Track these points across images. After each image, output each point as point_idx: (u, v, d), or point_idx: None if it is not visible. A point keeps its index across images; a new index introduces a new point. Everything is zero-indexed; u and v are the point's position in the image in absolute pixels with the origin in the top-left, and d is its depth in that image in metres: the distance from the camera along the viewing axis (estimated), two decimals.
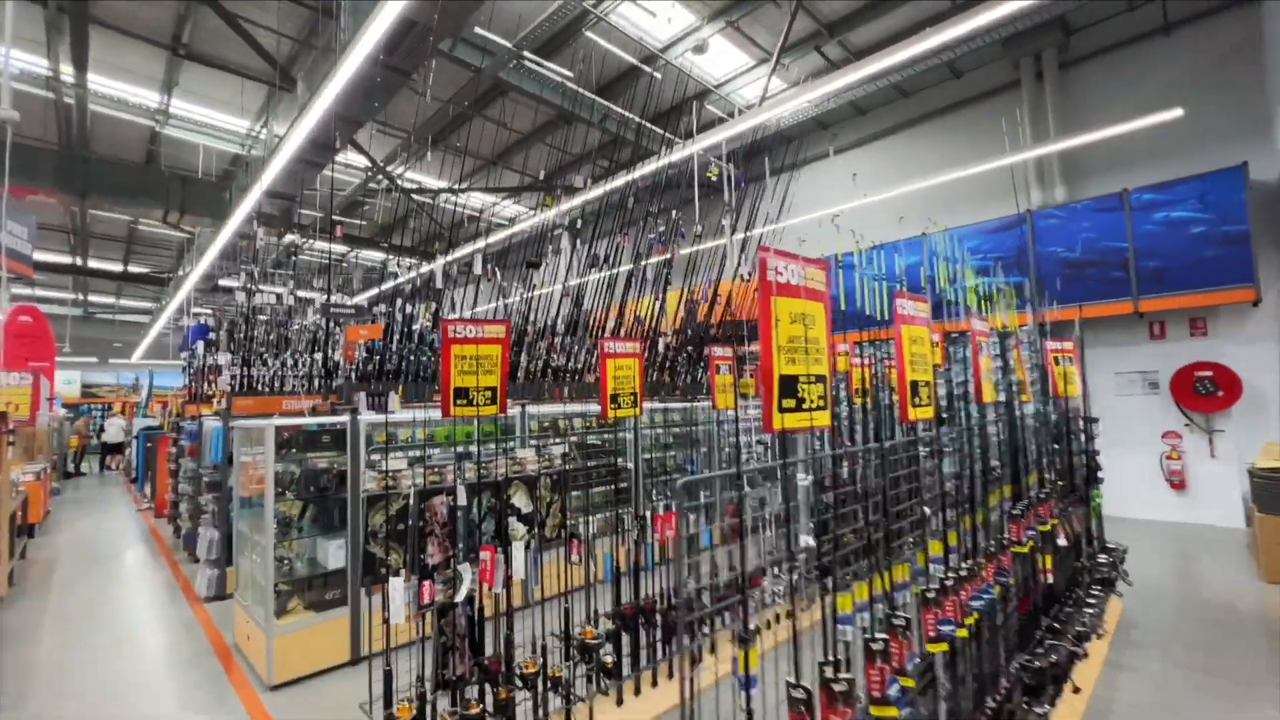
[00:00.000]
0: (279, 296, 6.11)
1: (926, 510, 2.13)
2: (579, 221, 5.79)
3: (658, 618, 3.02)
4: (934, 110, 8.89)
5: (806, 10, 7.12)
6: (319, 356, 5.48)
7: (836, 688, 1.30)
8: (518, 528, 2.66)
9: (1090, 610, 3.01)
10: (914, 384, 2.07)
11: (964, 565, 2.01)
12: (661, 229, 5.91)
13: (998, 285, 4.00)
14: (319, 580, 3.70)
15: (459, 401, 2.56)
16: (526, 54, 7.24)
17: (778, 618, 3.98)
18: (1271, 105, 6.18)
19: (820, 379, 1.46)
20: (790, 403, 1.34)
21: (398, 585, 2.09)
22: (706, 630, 3.40)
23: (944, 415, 2.77)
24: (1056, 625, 2.66)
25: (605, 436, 5.16)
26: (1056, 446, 3.70)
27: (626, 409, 3.13)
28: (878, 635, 1.47)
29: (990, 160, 7.28)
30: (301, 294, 6.96)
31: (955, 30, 4.65)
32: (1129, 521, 6.77)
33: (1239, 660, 3.42)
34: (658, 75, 8.09)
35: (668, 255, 6.11)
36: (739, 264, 7.02)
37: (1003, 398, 3.16)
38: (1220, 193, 6.24)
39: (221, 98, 8.38)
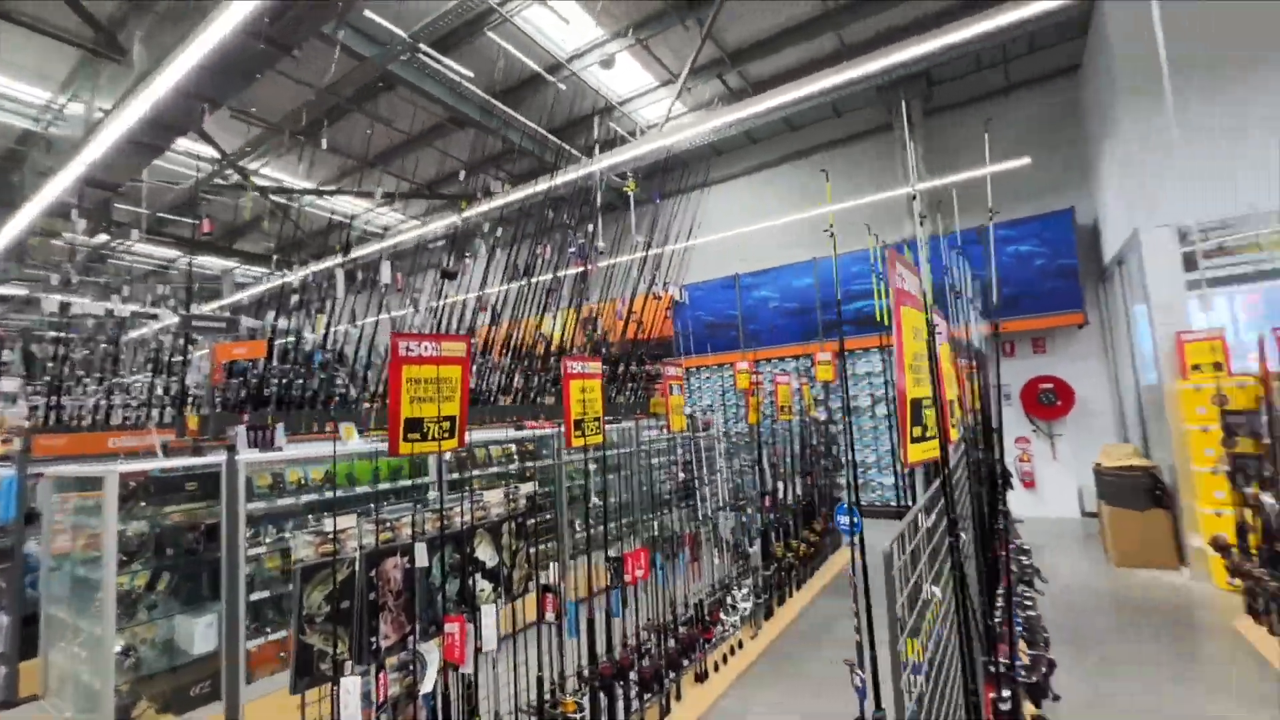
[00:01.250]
0: (109, 310, 4.87)
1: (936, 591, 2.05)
2: (495, 229, 5.32)
3: (633, 673, 2.69)
4: (820, 144, 9.56)
5: (713, 38, 7.29)
6: (164, 380, 4.42)
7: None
8: (484, 586, 2.20)
9: (1031, 612, 3.20)
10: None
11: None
12: (581, 241, 5.62)
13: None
14: (182, 670, 2.87)
15: (411, 435, 2.07)
16: (423, 46, 6.63)
17: (732, 649, 3.80)
18: (1090, 160, 7.38)
19: (933, 401, 1.28)
20: (918, 431, 1.15)
21: (353, 686, 1.57)
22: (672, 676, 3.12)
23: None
24: (1024, 632, 2.76)
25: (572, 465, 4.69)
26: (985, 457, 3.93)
27: (593, 435, 2.79)
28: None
29: (868, 195, 7.93)
30: (133, 306, 5.65)
31: (836, 78, 5.02)
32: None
33: (1130, 634, 3.84)
34: (563, 86, 7.84)
35: (585, 268, 5.83)
36: (654, 280, 6.91)
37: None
38: (1055, 232, 7.30)
39: (14, 61, 6.70)
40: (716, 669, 3.55)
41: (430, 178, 10.27)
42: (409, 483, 3.81)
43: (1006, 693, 1.32)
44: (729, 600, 3.81)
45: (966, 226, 7.99)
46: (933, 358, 1.67)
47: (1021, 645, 2.60)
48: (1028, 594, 3.37)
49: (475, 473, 4.36)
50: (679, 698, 3.16)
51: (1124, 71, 5.64)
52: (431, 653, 1.90)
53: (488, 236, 5.63)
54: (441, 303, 4.62)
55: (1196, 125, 5.27)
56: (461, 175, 9.50)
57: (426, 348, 2.10)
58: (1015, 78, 8.01)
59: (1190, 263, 5.47)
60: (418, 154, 9.39)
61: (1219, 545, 3.96)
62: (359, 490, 3.52)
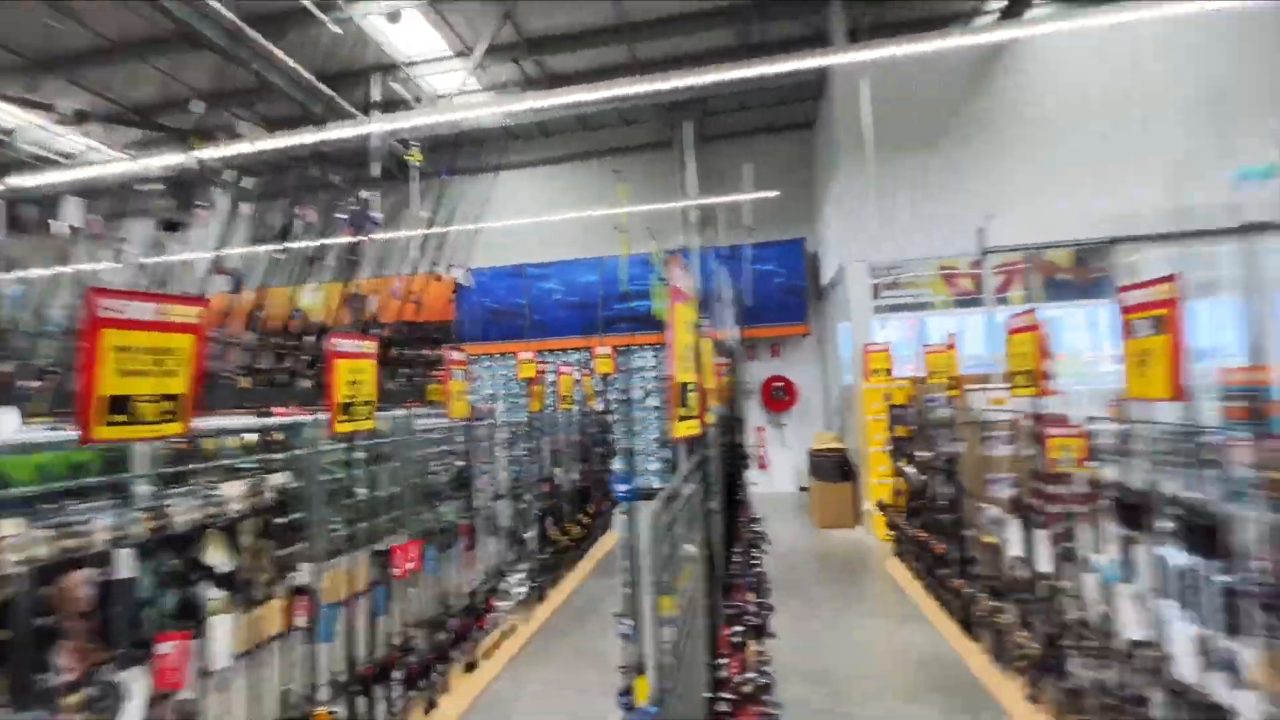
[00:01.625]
0: None
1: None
2: (240, 179, 4.48)
3: (396, 670, 2.56)
4: (611, 148, 10.02)
5: (514, 22, 7.15)
6: None
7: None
8: (215, 596, 1.89)
9: (757, 567, 3.87)
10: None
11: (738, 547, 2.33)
12: (355, 208, 5.06)
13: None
14: None
15: (116, 417, 1.68)
16: None
17: (505, 635, 3.84)
18: (817, 201, 9.04)
19: (695, 387, 1.49)
20: (684, 411, 1.34)
21: None
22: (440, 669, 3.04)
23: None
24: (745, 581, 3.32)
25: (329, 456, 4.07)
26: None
27: (363, 420, 2.58)
28: (738, 628, 1.58)
29: (651, 203, 8.63)
30: None
31: (621, 90, 5.40)
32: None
33: (824, 578, 4.87)
34: (336, 29, 6.92)
35: (357, 239, 5.27)
36: (437, 260, 6.54)
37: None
38: (790, 257, 8.81)
39: None
40: (488, 656, 3.55)
41: (147, 101, 8.19)
42: (100, 480, 3.03)
43: (739, 628, 1.62)
44: (503, 587, 3.84)
45: (726, 244, 9.19)
46: (698, 350, 1.96)
47: (750, 595, 3.13)
48: (755, 554, 4.06)
49: (204, 464, 3.67)
50: (447, 690, 3.09)
51: (841, 138, 7.04)
52: (135, 681, 1.58)
53: (230, 186, 4.73)
54: (161, 260, 3.76)
55: (885, 188, 6.85)
56: (195, 106, 7.76)
57: (144, 310, 1.72)
58: (773, 122, 9.43)
59: (876, 291, 7.11)
60: (130, 68, 7.41)
61: (880, 506, 5.26)
62: (18, 491, 2.69)
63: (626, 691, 1.19)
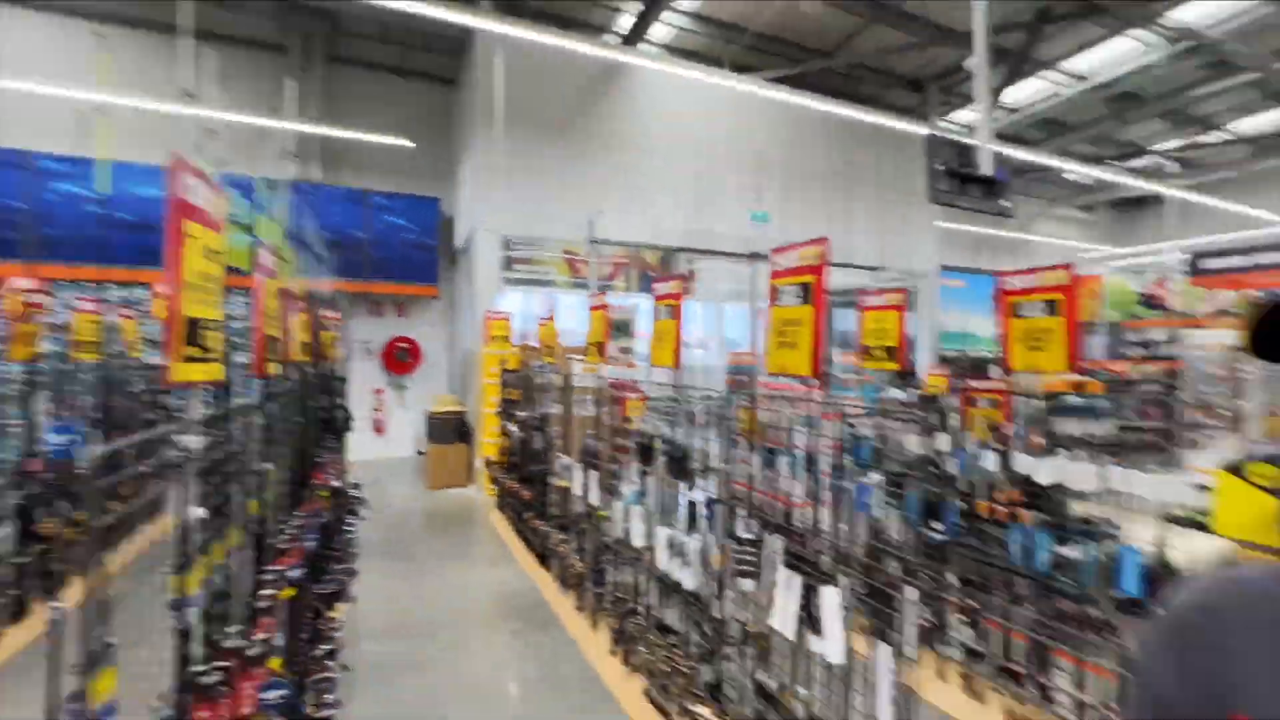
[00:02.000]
0: None
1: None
2: None
3: None
4: (198, 28, 7.72)
5: None
6: None
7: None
8: None
9: (350, 535, 3.67)
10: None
11: (296, 515, 2.14)
12: None
13: (286, 247, 4.11)
14: None
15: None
16: None
17: None
18: (454, 163, 8.90)
19: (219, 324, 1.27)
20: (196, 351, 1.11)
21: None
22: None
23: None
24: (337, 552, 3.13)
25: None
26: (326, 402, 4.20)
27: None
28: (254, 639, 1.44)
29: (244, 114, 7.08)
30: None
31: None
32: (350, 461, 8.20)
33: (430, 536, 4.95)
34: None
35: None
36: None
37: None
38: (423, 214, 8.48)
39: None
40: None
41: None
42: None
43: (268, 593, 1.52)
44: None
45: (350, 184, 8.26)
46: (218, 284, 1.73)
47: (331, 562, 2.96)
48: (351, 521, 3.86)
49: None
50: None
51: (479, 105, 7.10)
52: None
53: None
54: None
55: (517, 165, 7.23)
56: None
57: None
58: (411, 65, 8.80)
59: (510, 264, 7.48)
60: None
61: (487, 463, 5.64)
62: None
63: (77, 696, 0.97)
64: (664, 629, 2.49)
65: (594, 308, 3.52)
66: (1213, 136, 11.26)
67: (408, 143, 7.69)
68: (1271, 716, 0.40)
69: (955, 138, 5.37)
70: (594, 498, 3.31)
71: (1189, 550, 3.53)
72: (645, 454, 2.84)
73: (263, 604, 1.38)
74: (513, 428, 5.02)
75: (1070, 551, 2.41)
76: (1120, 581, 2.03)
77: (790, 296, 1.90)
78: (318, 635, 2.29)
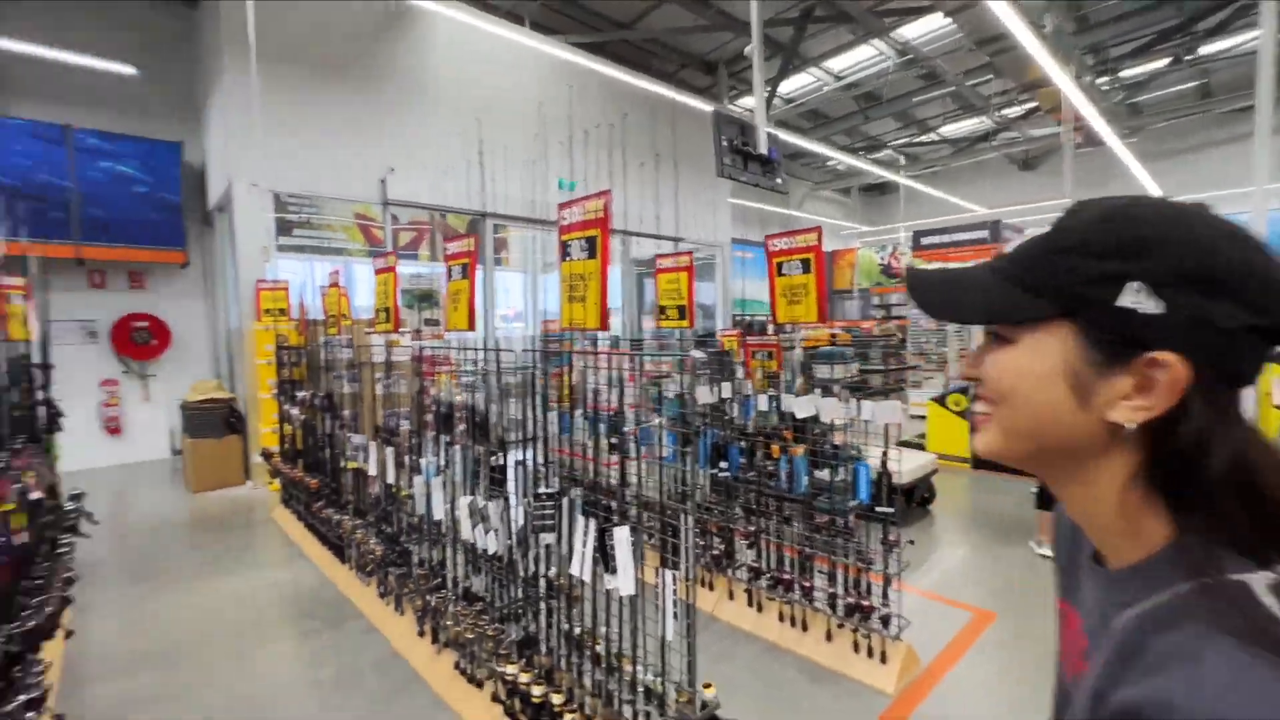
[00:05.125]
0: None
1: None
2: None
3: None
4: None
5: None
6: None
7: None
8: None
9: (63, 557, 2.93)
10: None
11: None
12: None
13: None
14: None
15: None
16: None
17: None
18: (200, 103, 7.37)
19: None
20: None
21: None
22: None
23: None
24: (38, 581, 2.47)
25: None
26: (12, 394, 3.27)
27: None
28: None
29: None
30: None
31: None
32: (76, 474, 6.51)
33: (192, 546, 4.17)
34: None
35: None
36: None
37: None
38: (160, 162, 6.92)
39: None
40: None
41: None
42: None
43: None
44: None
45: (43, 117, 6.41)
46: None
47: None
48: (64, 541, 3.08)
49: None
50: None
51: (228, 41, 5.92)
52: None
53: None
54: None
55: (297, 109, 6.23)
56: None
57: None
58: None
59: (288, 228, 6.45)
60: None
61: (265, 455, 4.91)
62: None
63: None
64: (471, 598, 2.42)
65: (380, 270, 3.20)
66: (928, 136, 13.92)
67: (129, 69, 6.14)
68: None
69: (738, 116, 5.88)
70: (391, 476, 3.07)
71: (912, 462, 4.42)
72: (446, 422, 2.70)
73: None
74: (294, 411, 4.42)
75: (824, 475, 2.86)
76: (858, 492, 2.48)
77: (578, 251, 1.91)
78: (10, 685, 1.80)
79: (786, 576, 2.78)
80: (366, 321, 5.17)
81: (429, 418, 2.77)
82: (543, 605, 2.11)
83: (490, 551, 2.26)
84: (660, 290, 3.31)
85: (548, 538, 1.96)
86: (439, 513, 2.62)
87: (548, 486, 2.07)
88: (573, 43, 7.45)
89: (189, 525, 4.88)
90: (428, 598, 2.54)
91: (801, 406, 2.68)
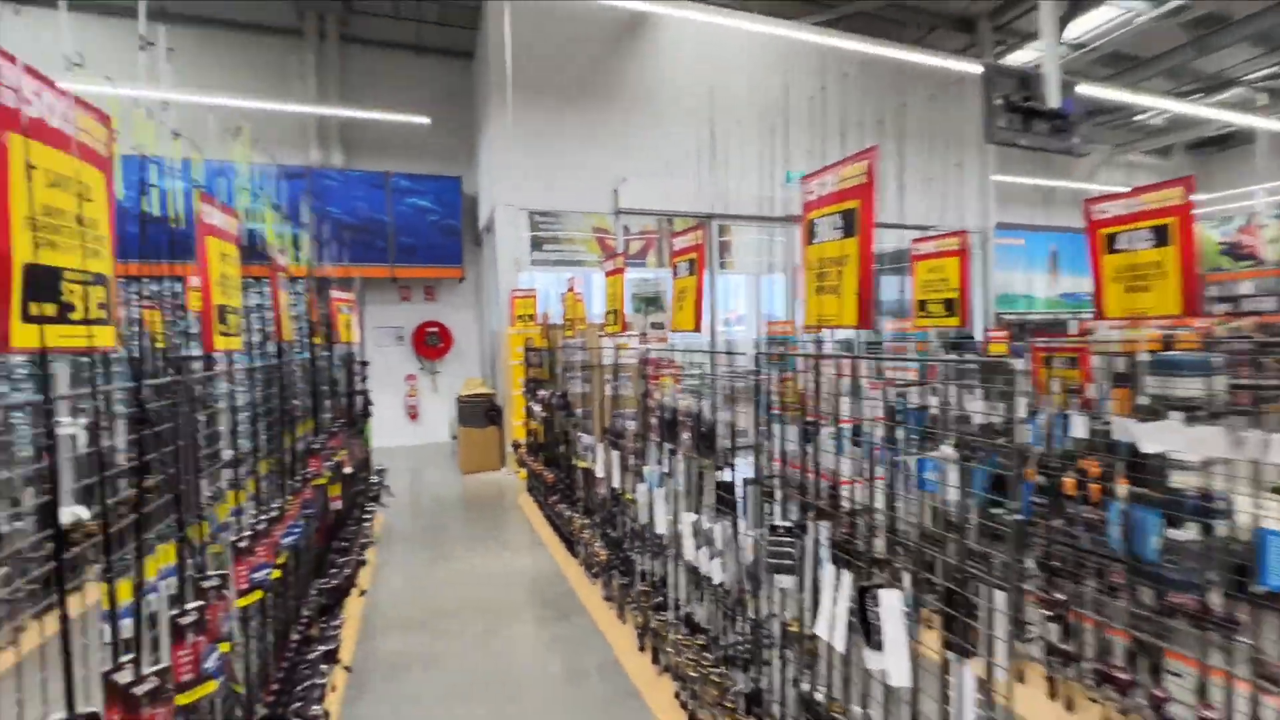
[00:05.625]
0: None
1: (229, 453, 1.91)
2: None
3: None
4: (212, 18, 7.68)
5: None
6: None
7: (140, 689, 0.99)
8: None
9: (366, 524, 3.51)
10: (221, 309, 1.79)
11: (274, 506, 1.93)
12: None
13: (293, 230, 3.94)
14: None
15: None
16: None
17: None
18: (475, 140, 8.65)
19: (101, 279, 1.02)
20: (48, 309, 0.86)
21: None
22: None
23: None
24: (345, 543, 2.95)
25: None
26: (339, 385, 4.04)
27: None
28: (188, 607, 1.22)
29: (273, 100, 6.99)
30: None
31: None
32: (385, 450, 8.17)
33: (457, 522, 4.80)
34: None
35: None
36: None
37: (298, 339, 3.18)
38: (446, 194, 8.29)
39: None
40: None
41: None
42: None
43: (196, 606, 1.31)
44: None
45: (372, 168, 8.13)
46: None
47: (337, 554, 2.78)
48: (369, 509, 3.70)
49: None
50: None
51: (493, 76, 6.78)
52: None
53: None
54: None
55: (536, 135, 6.92)
56: None
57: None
58: (427, 41, 8.55)
59: (540, 244, 7.21)
60: None
61: (514, 445, 5.44)
62: None
63: None
64: (694, 627, 2.20)
65: (610, 272, 3.21)
66: None
67: (424, 120, 7.47)
68: None
69: (1018, 68, 4.77)
70: (617, 480, 3.02)
71: None
72: (670, 429, 2.53)
73: (187, 616, 1.14)
74: (536, 408, 4.78)
75: (1182, 534, 1.99)
76: (1264, 573, 1.61)
77: (829, 230, 1.54)
78: (309, 638, 2.10)
79: (1120, 674, 1.98)
80: (598, 326, 5.42)
81: (653, 423, 2.63)
82: (775, 656, 1.77)
83: (715, 580, 2.00)
84: (919, 282, 2.71)
85: (785, 580, 1.62)
86: (661, 525, 2.45)
87: (785, 515, 1.72)
88: (809, 23, 6.93)
89: (458, 503, 5.65)
90: (649, 614, 2.39)
91: (1154, 436, 1.88)
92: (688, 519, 2.16)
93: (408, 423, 8.68)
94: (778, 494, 1.89)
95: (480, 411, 6.78)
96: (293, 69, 7.85)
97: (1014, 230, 10.39)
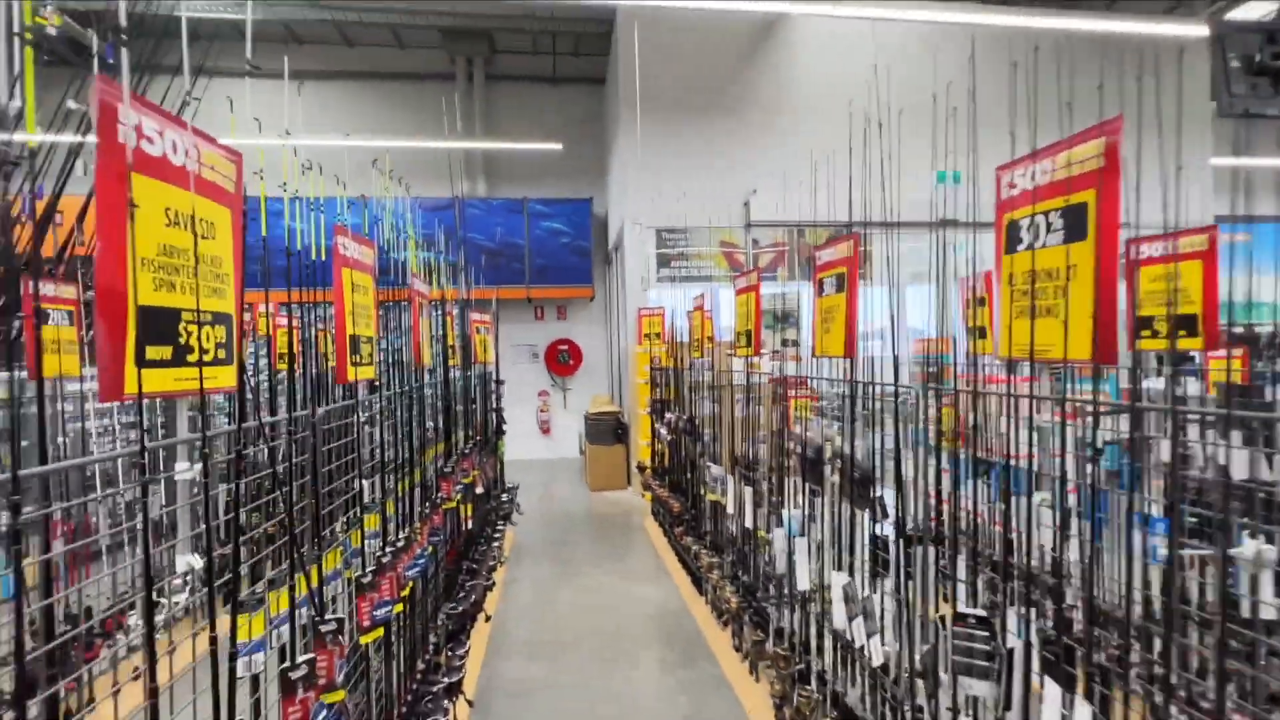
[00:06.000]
0: None
1: (365, 484, 1.93)
2: None
3: None
4: (379, 73, 8.66)
5: None
6: None
7: None
8: None
9: (496, 544, 3.54)
10: (355, 339, 1.80)
11: (400, 535, 1.92)
12: None
13: (436, 258, 4.16)
14: None
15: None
16: None
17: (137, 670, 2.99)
18: (606, 161, 8.84)
19: (224, 319, 1.00)
20: (162, 352, 0.84)
21: None
22: None
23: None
24: (474, 565, 2.97)
25: None
26: (474, 404, 4.17)
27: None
28: (298, 661, 1.17)
29: (427, 139, 7.66)
30: None
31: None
32: (517, 462, 8.51)
33: (585, 541, 4.76)
34: None
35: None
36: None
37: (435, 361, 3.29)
38: (578, 216, 8.54)
39: None
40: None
41: None
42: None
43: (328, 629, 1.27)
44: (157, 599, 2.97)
45: (511, 196, 8.60)
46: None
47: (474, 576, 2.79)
48: (499, 528, 3.75)
49: None
50: None
51: (623, 95, 6.85)
52: None
53: None
54: None
55: (664, 151, 6.86)
56: None
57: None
58: (562, 72, 8.93)
59: (668, 261, 7.14)
60: None
61: (640, 467, 5.32)
62: None
63: None
64: (847, 713, 1.84)
65: (742, 290, 2.95)
66: None
67: (556, 146, 7.76)
68: None
69: (1260, 21, 3.78)
70: (750, 518, 2.73)
71: None
72: (813, 469, 2.20)
73: (296, 670, 1.08)
74: (663, 430, 4.62)
75: None
76: None
77: (1041, 234, 1.17)
78: (434, 667, 2.06)
79: None
80: (727, 344, 5.15)
81: (792, 461, 2.32)
82: None
83: (875, 663, 1.65)
84: (1142, 294, 2.13)
85: (976, 687, 1.25)
86: (803, 581, 2.13)
87: (971, 597, 1.34)
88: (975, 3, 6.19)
89: (585, 521, 5.64)
90: (787, 684, 2.07)
91: None
92: (837, 580, 1.83)
93: (540, 437, 8.99)
94: (961, 560, 1.51)
95: (607, 429, 6.79)
96: (444, 109, 8.57)
97: (1245, 223, 8.46)
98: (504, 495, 4.24)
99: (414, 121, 8.52)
